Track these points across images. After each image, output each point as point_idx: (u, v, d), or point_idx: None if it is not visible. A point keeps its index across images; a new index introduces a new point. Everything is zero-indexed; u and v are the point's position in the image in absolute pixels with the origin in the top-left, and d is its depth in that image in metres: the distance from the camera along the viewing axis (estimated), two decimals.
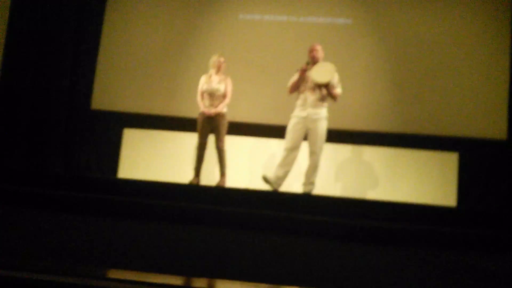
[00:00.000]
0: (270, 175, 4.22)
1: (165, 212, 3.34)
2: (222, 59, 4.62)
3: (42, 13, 5.65)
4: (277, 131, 4.90)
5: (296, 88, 4.32)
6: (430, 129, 5.23)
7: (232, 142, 4.88)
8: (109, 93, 5.73)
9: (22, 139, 5.46)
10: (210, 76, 4.60)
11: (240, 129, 5.18)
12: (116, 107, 5.67)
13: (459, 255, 2.95)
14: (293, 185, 4.66)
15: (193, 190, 4.17)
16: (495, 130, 5.11)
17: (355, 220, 3.38)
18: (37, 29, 5.62)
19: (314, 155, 4.22)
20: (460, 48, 5.29)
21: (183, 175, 4.94)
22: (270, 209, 3.54)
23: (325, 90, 4.25)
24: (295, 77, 4.34)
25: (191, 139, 5.02)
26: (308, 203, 3.80)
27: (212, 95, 4.54)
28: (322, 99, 4.27)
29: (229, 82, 4.60)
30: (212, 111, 4.49)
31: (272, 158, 5.11)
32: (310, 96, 4.24)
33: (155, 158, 5.37)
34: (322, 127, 4.24)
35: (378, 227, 3.27)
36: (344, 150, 5.21)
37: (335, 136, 4.90)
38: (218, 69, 4.59)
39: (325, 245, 2.94)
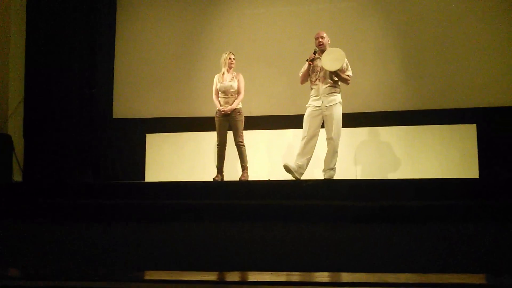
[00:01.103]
0: (292, 164, 4.29)
1: (193, 211, 3.45)
2: (232, 56, 4.69)
3: (56, 28, 5.81)
4: (293, 121, 4.97)
5: (306, 78, 4.38)
6: (445, 103, 5.20)
7: (250, 137, 4.96)
8: (129, 101, 5.91)
9: (50, 153, 5.67)
10: (223, 74, 4.68)
11: (257, 123, 5.26)
12: (136, 114, 5.85)
13: (485, 226, 2.95)
14: (315, 172, 4.70)
15: (218, 187, 4.27)
16: (510, 97, 5.03)
17: (380, 202, 3.39)
18: (52, 45, 5.79)
19: (332, 141, 4.27)
20: (469, 19, 5.22)
21: (207, 173, 5.06)
22: (294, 198, 3.60)
23: (336, 76, 4.28)
24: (305, 67, 4.39)
25: (210, 137, 5.14)
26: (331, 189, 3.84)
27: (226, 93, 4.63)
28: (334, 86, 4.31)
29: (241, 78, 4.67)
30: (228, 108, 4.59)
31: (291, 148, 5.17)
32: (322, 85, 4.29)
33: (178, 160, 5.50)
34: (338, 113, 4.28)
35: (403, 206, 3.29)
36: (361, 133, 5.22)
37: (352, 119, 4.91)
38: (230, 67, 4.66)
39: (352, 229, 2.98)
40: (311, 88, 4.38)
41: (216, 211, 3.38)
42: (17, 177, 5.53)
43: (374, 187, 3.90)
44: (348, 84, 4.37)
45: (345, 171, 5.02)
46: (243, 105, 4.71)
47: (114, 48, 6.01)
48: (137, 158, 5.69)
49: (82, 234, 2.93)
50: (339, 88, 4.35)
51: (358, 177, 5.12)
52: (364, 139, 5.23)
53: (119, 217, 3.44)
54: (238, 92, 4.63)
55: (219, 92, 4.67)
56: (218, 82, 4.68)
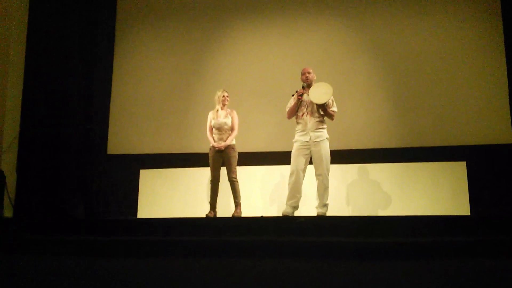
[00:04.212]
0: (287, 209, 4.31)
1: (186, 247, 3.41)
2: (226, 94, 4.79)
3: (54, 63, 5.87)
4: (287, 158, 4.97)
5: (294, 113, 4.41)
6: (435, 140, 5.29)
7: (244, 173, 4.99)
8: (123, 137, 5.97)
9: (42, 189, 5.62)
10: (217, 111, 4.76)
11: (250, 159, 5.30)
12: (131, 150, 5.90)
13: (477, 262, 2.94)
14: (303, 209, 4.68)
15: (211, 223, 4.25)
16: (499, 135, 5.15)
17: (372, 238, 3.39)
18: (50, 82, 5.85)
19: (321, 177, 4.28)
20: (457, 58, 5.40)
21: (200, 209, 5.05)
22: (287, 235, 3.59)
23: (323, 110, 4.32)
24: (291, 102, 4.44)
25: (204, 173, 5.15)
26: (324, 226, 3.84)
27: (220, 129, 4.70)
28: (321, 121, 4.36)
29: (235, 115, 4.76)
30: (222, 144, 4.64)
31: (284, 184, 5.16)
32: (310, 120, 4.33)
33: (171, 196, 5.50)
34: (326, 148, 4.31)
35: (395, 243, 3.28)
36: (353, 170, 5.25)
37: (343, 156, 4.96)
38: (223, 104, 4.75)
39: (345, 266, 2.96)
40: (297, 123, 4.41)
41: (209, 248, 3.35)
42: (8, 213, 5.45)
43: (366, 224, 3.90)
44: (332, 119, 4.40)
45: (338, 207, 5.03)
46: (237, 141, 4.77)
47: (111, 84, 6.12)
48: (130, 194, 5.67)
49: (70, 270, 2.89)
50: (325, 123, 4.40)
51: (351, 214, 5.11)
52: (356, 175, 5.26)
53: (110, 254, 3.39)
54: (232, 129, 4.70)
55: (213, 129, 4.73)
56: (212, 118, 4.76)
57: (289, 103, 4.47)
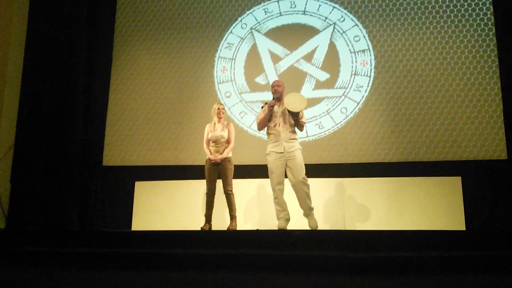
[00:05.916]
0: (282, 224, 4.31)
1: (180, 261, 3.39)
2: (222, 106, 4.81)
3: (51, 74, 5.90)
4: None
5: (265, 124, 4.43)
6: (431, 155, 5.33)
7: (240, 185, 4.98)
8: (119, 149, 5.96)
9: (36, 200, 5.59)
10: (214, 124, 4.77)
11: (246, 171, 5.30)
12: (126, 162, 5.88)
13: (473, 278, 2.94)
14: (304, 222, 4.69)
15: (206, 236, 4.22)
16: (494, 151, 5.18)
17: (367, 253, 3.38)
18: (47, 91, 5.86)
19: (300, 184, 4.27)
20: (452, 74, 5.47)
21: (195, 222, 5.02)
22: (283, 248, 3.57)
23: (294, 120, 4.34)
24: (262, 113, 4.47)
25: (199, 186, 5.14)
26: (320, 239, 3.83)
27: (217, 142, 4.70)
28: (293, 132, 4.38)
29: (231, 127, 4.76)
30: (218, 157, 4.63)
31: None
32: (282, 131, 4.34)
33: (166, 208, 5.46)
34: (300, 157, 4.32)
35: (390, 258, 3.27)
36: (348, 184, 5.24)
37: (338, 170, 4.95)
38: (219, 116, 4.77)
39: (339, 280, 2.95)
40: (269, 134, 4.41)
41: (204, 261, 3.33)
42: (0, 223, 5.41)
43: (361, 238, 3.89)
44: (302, 130, 4.46)
45: (333, 221, 5.01)
46: (233, 154, 4.77)
47: (107, 96, 6.13)
48: (125, 206, 5.64)
49: (64, 282, 2.86)
50: (297, 134, 4.43)
51: (346, 228, 5.11)
52: (352, 189, 5.26)
53: (104, 266, 3.36)
54: (228, 141, 4.71)
55: (210, 141, 4.73)
56: (209, 131, 4.76)
57: (258, 115, 4.51)
